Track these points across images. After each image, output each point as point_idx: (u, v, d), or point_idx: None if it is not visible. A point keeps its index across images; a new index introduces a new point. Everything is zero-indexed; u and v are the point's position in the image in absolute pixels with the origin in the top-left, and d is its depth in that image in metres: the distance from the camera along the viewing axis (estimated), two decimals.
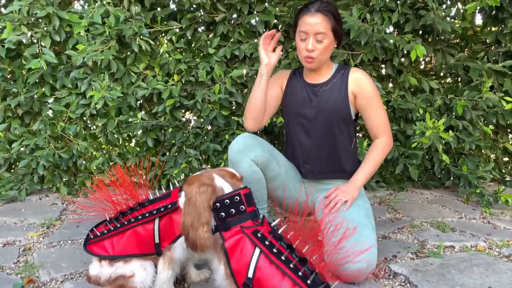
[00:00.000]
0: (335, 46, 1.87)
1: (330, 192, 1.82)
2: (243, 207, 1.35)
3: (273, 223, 1.42)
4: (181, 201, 1.44)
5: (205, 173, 1.41)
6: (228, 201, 1.34)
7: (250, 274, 1.28)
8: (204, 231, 1.29)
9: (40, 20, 2.58)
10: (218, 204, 1.34)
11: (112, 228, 1.58)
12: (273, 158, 1.84)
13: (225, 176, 1.42)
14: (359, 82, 1.84)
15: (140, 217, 1.54)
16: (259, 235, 1.32)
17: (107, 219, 1.63)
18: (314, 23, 1.75)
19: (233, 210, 1.34)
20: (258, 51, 1.88)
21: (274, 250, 1.30)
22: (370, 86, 1.84)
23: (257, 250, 1.30)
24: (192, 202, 1.32)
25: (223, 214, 1.34)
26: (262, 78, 1.86)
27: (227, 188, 1.39)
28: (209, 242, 1.30)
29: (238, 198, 1.35)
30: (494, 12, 2.84)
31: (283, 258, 1.29)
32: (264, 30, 2.74)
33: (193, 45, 2.83)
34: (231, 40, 2.78)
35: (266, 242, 1.31)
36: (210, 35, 2.83)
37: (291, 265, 1.28)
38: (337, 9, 1.82)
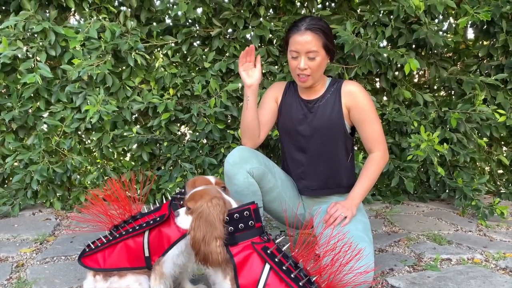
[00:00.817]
0: (328, 61, 1.85)
1: (330, 207, 1.80)
2: (252, 223, 1.33)
3: (277, 240, 1.41)
4: (180, 219, 1.38)
5: (211, 187, 1.38)
6: (238, 215, 1.32)
7: None
8: (217, 245, 1.27)
9: (36, 35, 2.59)
10: (227, 218, 1.32)
11: (105, 241, 1.56)
12: (269, 171, 1.84)
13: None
14: (352, 95, 1.82)
15: (130, 230, 1.53)
16: (268, 252, 1.30)
17: (107, 232, 1.61)
18: (305, 42, 1.73)
19: (242, 225, 1.32)
20: (239, 73, 1.84)
21: (284, 268, 1.28)
22: (363, 98, 1.81)
23: (267, 267, 1.27)
24: (205, 215, 1.29)
25: (232, 228, 1.32)
26: (248, 100, 1.83)
27: (233, 202, 1.37)
28: (221, 256, 1.27)
29: (248, 213, 1.32)
30: (485, 26, 2.89)
31: (292, 276, 1.27)
32: (259, 44, 2.76)
33: (188, 59, 2.85)
34: (226, 54, 2.80)
35: (276, 260, 1.29)
36: (206, 50, 2.85)
37: (300, 284, 1.25)
38: (327, 24, 1.80)
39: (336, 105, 1.84)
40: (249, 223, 1.32)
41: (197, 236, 1.28)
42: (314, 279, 1.28)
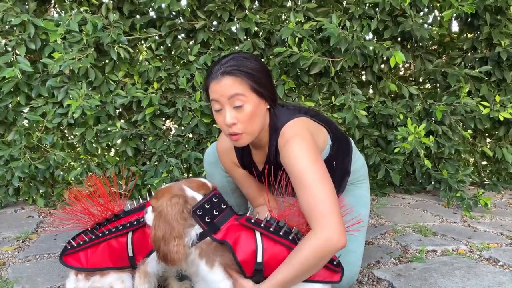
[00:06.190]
0: (268, 107, 1.43)
1: None
2: (224, 204, 1.37)
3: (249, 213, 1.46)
4: (148, 217, 1.38)
5: (174, 185, 1.38)
6: (208, 204, 1.34)
7: (259, 259, 1.30)
8: (175, 244, 1.27)
9: (14, 28, 2.52)
10: (200, 210, 1.32)
11: (87, 240, 1.53)
12: None
13: (193, 187, 1.39)
14: (284, 155, 1.38)
15: (113, 229, 1.51)
16: (252, 221, 1.35)
17: (88, 229, 1.58)
18: (223, 88, 1.34)
19: (217, 210, 1.35)
20: None
21: (272, 230, 1.33)
22: (294, 156, 1.34)
23: (258, 234, 1.32)
24: (163, 215, 1.28)
25: (209, 217, 1.33)
26: None
27: (198, 197, 1.36)
28: (180, 255, 1.27)
29: (216, 198, 1.36)
30: (469, 19, 2.91)
31: (281, 234, 1.33)
32: (244, 37, 2.73)
33: (173, 52, 2.81)
34: (211, 47, 2.76)
35: (262, 225, 1.34)
36: (190, 43, 2.81)
37: (290, 238, 1.33)
38: (257, 60, 1.41)
39: (280, 168, 1.47)
40: (222, 206, 1.36)
41: (157, 235, 1.27)
42: (298, 230, 1.36)
